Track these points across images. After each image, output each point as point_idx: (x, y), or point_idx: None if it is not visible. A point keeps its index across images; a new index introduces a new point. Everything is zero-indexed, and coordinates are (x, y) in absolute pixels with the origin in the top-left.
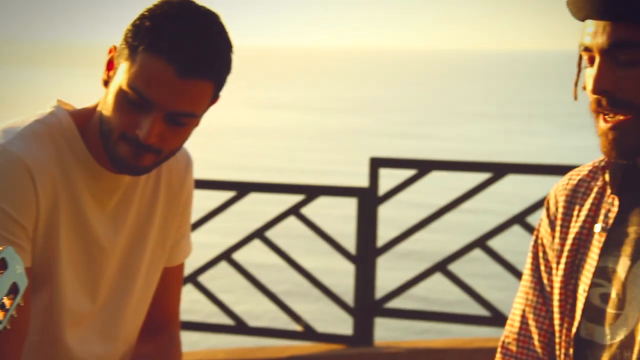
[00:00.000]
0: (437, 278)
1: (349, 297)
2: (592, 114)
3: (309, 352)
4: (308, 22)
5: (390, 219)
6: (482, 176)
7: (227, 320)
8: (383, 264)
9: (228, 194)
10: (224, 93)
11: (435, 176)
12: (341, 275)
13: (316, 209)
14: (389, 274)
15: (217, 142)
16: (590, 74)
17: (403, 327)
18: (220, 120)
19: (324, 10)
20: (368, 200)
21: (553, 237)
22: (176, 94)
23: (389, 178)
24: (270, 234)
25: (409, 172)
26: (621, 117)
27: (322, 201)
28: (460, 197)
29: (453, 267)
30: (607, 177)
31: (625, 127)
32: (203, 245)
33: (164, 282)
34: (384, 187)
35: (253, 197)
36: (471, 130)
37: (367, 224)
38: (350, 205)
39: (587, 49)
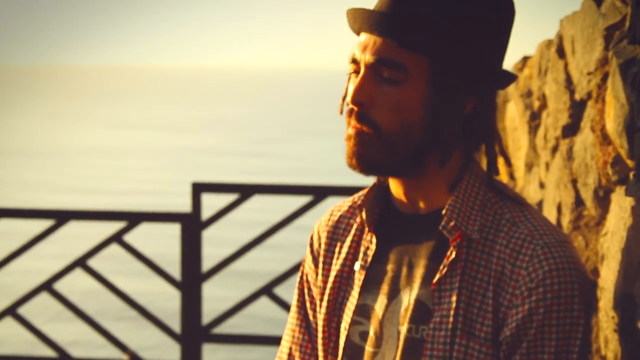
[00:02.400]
0: (266, 300)
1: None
2: (346, 124)
3: None
4: (161, 40)
5: (220, 239)
6: (305, 198)
7: (49, 352)
8: (215, 284)
9: (47, 222)
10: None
11: (260, 198)
12: (171, 300)
13: (144, 231)
14: (222, 294)
15: (68, 162)
16: (352, 85)
17: (237, 351)
18: (73, 140)
19: (172, 28)
20: (191, 226)
21: (317, 274)
22: None
23: (217, 199)
24: (95, 260)
25: (232, 196)
26: (365, 129)
27: (150, 226)
28: (282, 221)
29: (279, 290)
30: (363, 215)
31: (366, 139)
32: (24, 274)
33: None
34: (210, 209)
35: (76, 223)
36: (311, 148)
37: (191, 249)
38: (178, 228)
39: (355, 61)
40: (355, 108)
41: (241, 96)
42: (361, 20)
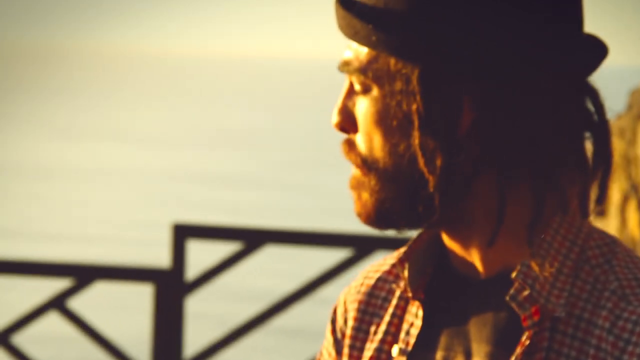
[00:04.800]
0: None
1: None
2: None
3: None
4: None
5: (212, 311)
6: (341, 253)
7: None
8: None
9: None
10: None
11: (270, 251)
12: None
13: (99, 295)
14: None
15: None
16: None
17: None
18: (20, 156)
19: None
20: (169, 289)
21: None
22: None
23: (210, 251)
24: (24, 337)
25: (232, 247)
26: (356, 165)
27: (107, 287)
28: (305, 287)
29: None
30: (405, 273)
31: (359, 179)
32: None
33: None
34: (199, 264)
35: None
36: None
37: (169, 324)
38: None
39: None
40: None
41: (266, 95)
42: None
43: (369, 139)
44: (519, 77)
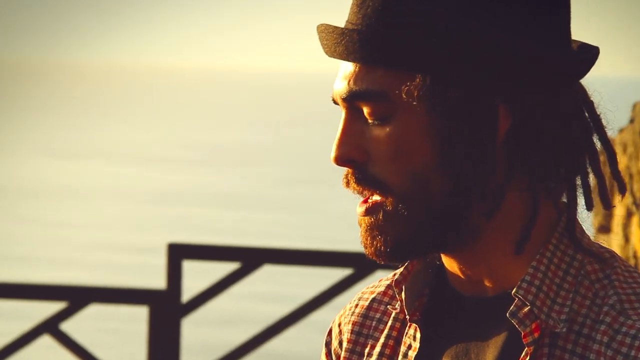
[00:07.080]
0: None
1: None
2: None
3: None
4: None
5: (209, 333)
6: (342, 272)
7: None
8: None
9: None
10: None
11: (271, 270)
12: None
13: (94, 317)
14: None
15: None
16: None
17: None
18: (12, 177)
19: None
20: (165, 311)
21: None
22: None
23: (207, 271)
24: None
25: (230, 266)
26: (377, 198)
27: (102, 310)
28: (304, 306)
29: None
30: (402, 295)
31: (385, 211)
32: None
33: None
34: (195, 285)
35: None
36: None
37: (164, 347)
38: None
39: (334, 100)
40: (347, 168)
41: (269, 110)
42: (325, 42)
43: (389, 168)
44: (546, 83)
